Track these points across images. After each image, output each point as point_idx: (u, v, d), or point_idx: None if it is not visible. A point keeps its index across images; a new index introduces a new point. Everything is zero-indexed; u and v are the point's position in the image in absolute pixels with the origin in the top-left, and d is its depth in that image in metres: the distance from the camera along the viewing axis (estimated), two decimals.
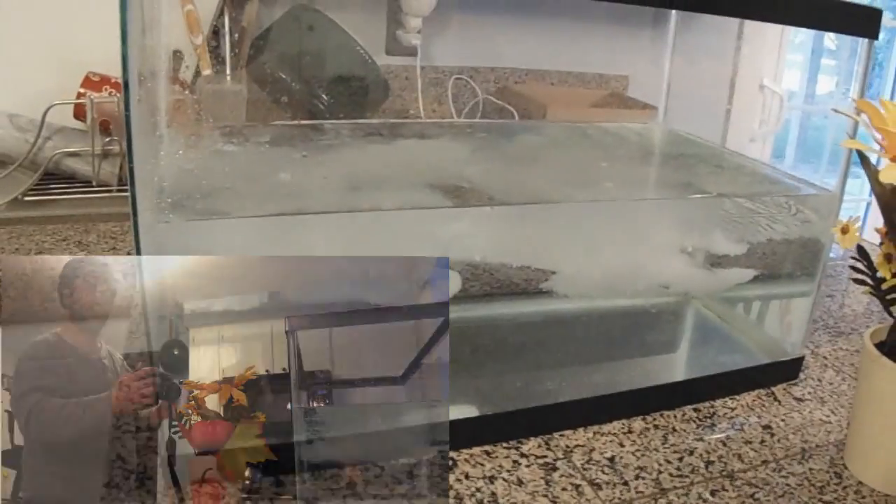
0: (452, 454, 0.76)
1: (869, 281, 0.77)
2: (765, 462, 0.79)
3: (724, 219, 0.93)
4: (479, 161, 0.98)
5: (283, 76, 1.42)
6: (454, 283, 0.80)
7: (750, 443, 0.82)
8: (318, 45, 1.47)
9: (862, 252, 0.76)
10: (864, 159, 0.73)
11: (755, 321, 1.07)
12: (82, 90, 1.34)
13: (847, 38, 0.87)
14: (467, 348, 0.90)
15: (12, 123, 1.31)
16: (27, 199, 1.27)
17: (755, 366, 0.94)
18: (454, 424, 0.77)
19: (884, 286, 0.76)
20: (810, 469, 0.78)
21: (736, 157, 1.14)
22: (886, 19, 3.11)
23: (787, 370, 0.95)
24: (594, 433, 0.82)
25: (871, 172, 0.71)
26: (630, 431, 0.83)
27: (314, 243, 0.74)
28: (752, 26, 1.53)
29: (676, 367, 0.99)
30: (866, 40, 0.85)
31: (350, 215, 0.75)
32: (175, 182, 0.77)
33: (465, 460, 0.75)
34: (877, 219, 0.76)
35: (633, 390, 0.86)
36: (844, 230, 0.76)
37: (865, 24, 0.84)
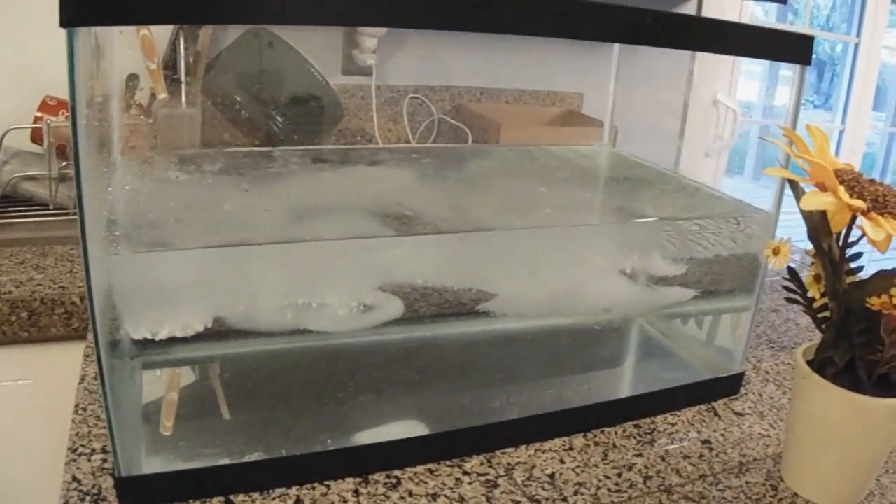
0: (396, 472, 0.78)
1: (801, 300, 0.80)
2: (702, 476, 0.82)
3: (662, 241, 0.96)
4: (424, 188, 1.00)
5: (238, 98, 1.44)
6: (395, 309, 0.83)
7: (688, 457, 0.85)
8: (272, 67, 1.48)
9: (792, 273, 0.79)
10: (793, 184, 0.76)
11: (696, 338, 1.10)
12: (39, 114, 1.36)
13: None
14: (412, 368, 0.92)
15: None
16: None
17: (696, 382, 0.97)
18: (399, 443, 0.79)
19: (814, 305, 0.79)
20: (747, 482, 0.81)
21: (677, 179, 1.17)
22: (840, 34, 3.17)
23: (727, 385, 0.98)
24: (536, 450, 0.84)
25: (799, 198, 0.74)
26: (571, 448, 0.85)
27: (258, 273, 0.76)
28: None
29: (619, 384, 1.02)
30: (799, 66, 0.88)
31: (292, 245, 0.77)
32: (125, 212, 0.79)
33: (409, 478, 0.77)
34: None
35: (575, 408, 0.88)
36: (776, 251, 0.79)
37: (798, 52, 0.87)
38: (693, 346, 1.07)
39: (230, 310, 0.78)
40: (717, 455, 0.86)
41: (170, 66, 1.36)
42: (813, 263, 0.79)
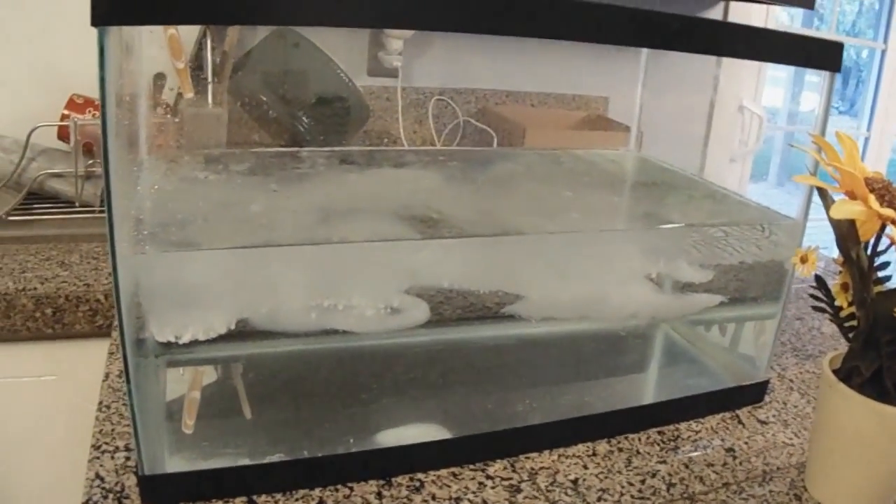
0: (419, 475, 0.78)
1: (828, 309, 0.80)
2: (726, 484, 0.81)
3: (689, 247, 0.95)
4: (451, 191, 1.00)
5: (264, 99, 1.44)
6: (422, 313, 0.82)
7: (712, 465, 0.84)
8: (298, 68, 1.49)
9: (820, 281, 0.79)
10: (822, 192, 0.76)
11: (721, 345, 1.09)
12: (66, 112, 1.36)
13: None
14: (435, 371, 0.92)
15: None
16: (11, 218, 1.28)
17: (720, 389, 0.96)
18: (422, 446, 0.79)
19: (841, 314, 0.78)
20: (770, 491, 0.80)
21: (704, 185, 1.17)
22: (867, 40, 3.14)
23: (752, 393, 0.97)
24: (559, 455, 0.84)
25: (827, 206, 0.74)
26: (594, 454, 0.84)
27: (284, 274, 0.76)
28: None
29: (643, 390, 1.01)
30: (829, 73, 0.88)
31: (319, 246, 0.77)
32: (153, 211, 0.79)
33: (433, 481, 0.77)
34: None
35: (599, 413, 0.88)
36: (804, 259, 0.78)
37: (828, 59, 0.86)
38: (718, 353, 1.06)
39: (256, 311, 0.78)
40: (740, 463, 0.85)
41: (196, 65, 1.36)
42: (841, 272, 0.78)
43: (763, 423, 0.94)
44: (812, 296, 0.80)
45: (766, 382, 0.98)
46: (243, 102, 1.42)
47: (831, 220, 0.74)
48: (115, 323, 0.65)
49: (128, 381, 0.67)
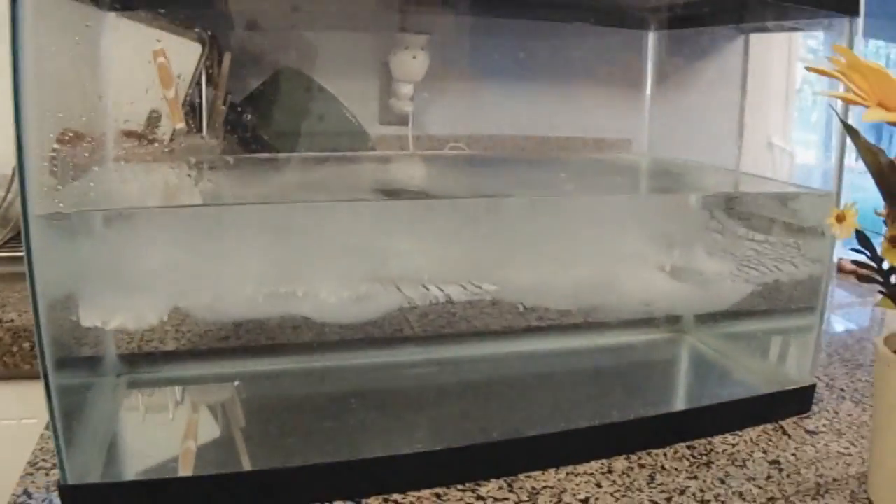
0: (396, 497, 0.65)
1: (876, 277, 0.67)
2: (771, 499, 0.68)
3: (707, 226, 0.84)
4: (434, 176, 0.89)
5: (266, 138, 1.38)
6: (390, 301, 0.70)
7: (753, 479, 0.71)
8: (304, 110, 1.43)
9: (862, 239, 0.66)
10: (851, 132, 0.65)
11: (757, 353, 0.97)
12: (56, 146, 1.30)
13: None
14: (421, 384, 0.81)
15: None
16: None
17: (760, 395, 0.84)
18: (398, 460, 0.67)
19: (894, 277, 0.66)
20: None
21: (725, 171, 1.06)
22: None
23: (796, 400, 0.84)
24: (567, 474, 0.70)
25: (861, 142, 0.63)
26: (610, 471, 0.71)
27: (232, 242, 0.66)
28: (755, 82, 1.48)
29: (668, 401, 0.88)
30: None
31: (271, 208, 0.66)
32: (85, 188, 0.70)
33: (411, 503, 0.65)
34: None
35: (614, 423, 0.75)
36: (840, 218, 0.66)
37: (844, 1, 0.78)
38: (754, 363, 0.95)
39: (199, 295, 0.67)
40: (788, 476, 0.72)
41: (189, 101, 1.30)
42: (887, 225, 0.65)
43: (812, 433, 0.80)
44: (855, 262, 0.67)
45: (812, 388, 0.85)
46: (242, 138, 1.35)
47: (870, 162, 0.63)
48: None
49: (42, 361, 0.59)
